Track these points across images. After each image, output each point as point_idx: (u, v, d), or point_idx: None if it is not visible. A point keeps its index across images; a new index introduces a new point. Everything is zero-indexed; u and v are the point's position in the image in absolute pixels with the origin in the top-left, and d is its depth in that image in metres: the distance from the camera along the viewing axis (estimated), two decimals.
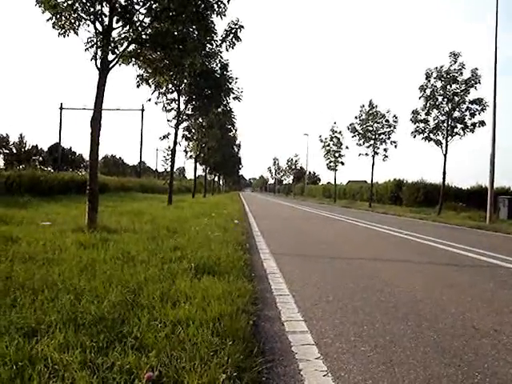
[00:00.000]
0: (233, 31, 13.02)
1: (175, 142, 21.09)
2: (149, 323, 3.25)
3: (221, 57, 19.30)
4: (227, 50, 13.31)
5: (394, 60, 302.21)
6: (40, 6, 8.89)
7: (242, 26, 12.96)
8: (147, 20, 9.61)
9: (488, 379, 2.80)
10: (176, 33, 10.04)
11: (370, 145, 34.74)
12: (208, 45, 12.91)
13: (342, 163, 45.01)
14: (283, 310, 4.25)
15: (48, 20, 9.04)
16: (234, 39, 13.01)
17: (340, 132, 44.81)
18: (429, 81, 25.13)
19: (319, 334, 3.59)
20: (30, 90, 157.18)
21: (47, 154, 79.99)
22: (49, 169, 54.22)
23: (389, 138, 34.20)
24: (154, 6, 9.43)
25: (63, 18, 9.06)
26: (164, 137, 21.34)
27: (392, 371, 2.88)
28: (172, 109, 20.75)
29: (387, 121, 34.37)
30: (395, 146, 34.19)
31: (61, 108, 48.20)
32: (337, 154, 44.94)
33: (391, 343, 3.41)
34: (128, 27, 9.40)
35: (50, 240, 6.76)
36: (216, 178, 70.21)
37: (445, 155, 24.35)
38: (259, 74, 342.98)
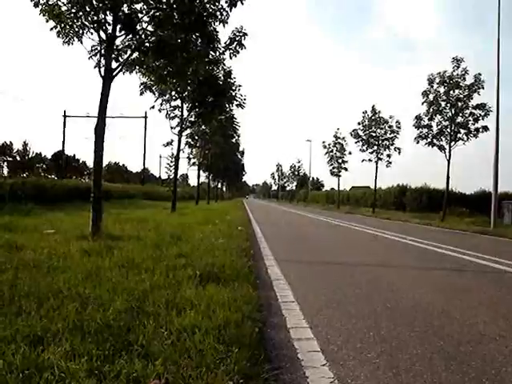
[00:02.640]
0: (237, 39, 13.06)
1: (178, 149, 21.19)
2: (155, 331, 3.25)
3: (224, 64, 19.36)
4: (231, 58, 13.35)
5: (398, 65, 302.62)
6: (44, 15, 8.96)
7: (246, 34, 13.03)
8: (150, 28, 9.67)
9: None
10: (179, 40, 10.10)
11: (374, 151, 34.71)
12: (211, 52, 12.94)
13: (346, 169, 44.91)
14: (288, 316, 4.24)
15: (52, 29, 9.11)
16: (237, 47, 13.05)
17: (343, 138, 44.71)
18: (432, 86, 25.13)
19: (325, 340, 3.58)
20: (33, 98, 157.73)
21: (51, 161, 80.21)
22: (52, 176, 54.34)
23: (392, 144, 34.18)
24: (156, 14, 9.49)
25: (67, 26, 9.12)
26: (167, 144, 21.41)
27: (399, 378, 2.86)
28: (175, 116, 20.86)
29: (390, 127, 34.36)
30: (399, 153, 34.16)
31: (64, 115, 48.29)
32: (340, 160, 44.85)
33: (397, 349, 3.39)
34: (131, 35, 9.46)
35: (54, 248, 6.77)
36: (219, 185, 70.39)
37: (448, 160, 24.33)
38: (262, 81, 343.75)
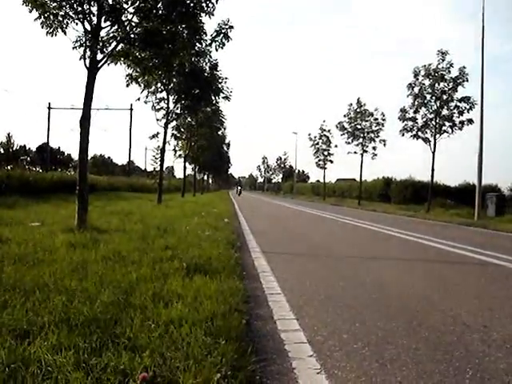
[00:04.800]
0: (223, 31, 13.01)
1: (164, 141, 21.09)
2: (142, 323, 3.24)
3: (210, 56, 19.27)
4: (216, 50, 13.29)
5: (385, 57, 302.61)
6: (27, 5, 8.81)
7: (232, 27, 12.98)
8: (136, 19, 9.57)
9: (479, 374, 2.83)
10: (165, 32, 10.01)
11: (359, 143, 34.92)
12: (197, 44, 12.86)
13: (331, 161, 45.26)
14: (275, 308, 4.26)
15: (36, 19, 8.96)
16: (223, 39, 13.00)
17: (329, 130, 45.00)
18: (417, 79, 25.31)
19: (311, 332, 3.60)
20: (17, 89, 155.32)
21: (35, 154, 79.22)
22: (37, 169, 53.67)
23: (377, 137, 34.41)
24: (141, 5, 9.39)
25: (51, 16, 8.99)
26: (153, 136, 21.31)
27: (385, 368, 2.90)
28: (161, 108, 20.73)
29: (375, 119, 34.57)
30: (384, 145, 34.42)
31: (49, 107, 47.67)
32: (326, 153, 45.13)
33: (383, 340, 3.43)
34: (116, 26, 9.35)
35: (39, 241, 6.71)
36: (205, 177, 70.22)
37: (433, 153, 24.55)
38: (248, 72, 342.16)
